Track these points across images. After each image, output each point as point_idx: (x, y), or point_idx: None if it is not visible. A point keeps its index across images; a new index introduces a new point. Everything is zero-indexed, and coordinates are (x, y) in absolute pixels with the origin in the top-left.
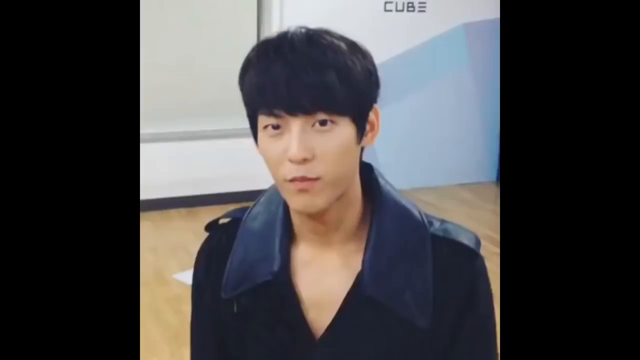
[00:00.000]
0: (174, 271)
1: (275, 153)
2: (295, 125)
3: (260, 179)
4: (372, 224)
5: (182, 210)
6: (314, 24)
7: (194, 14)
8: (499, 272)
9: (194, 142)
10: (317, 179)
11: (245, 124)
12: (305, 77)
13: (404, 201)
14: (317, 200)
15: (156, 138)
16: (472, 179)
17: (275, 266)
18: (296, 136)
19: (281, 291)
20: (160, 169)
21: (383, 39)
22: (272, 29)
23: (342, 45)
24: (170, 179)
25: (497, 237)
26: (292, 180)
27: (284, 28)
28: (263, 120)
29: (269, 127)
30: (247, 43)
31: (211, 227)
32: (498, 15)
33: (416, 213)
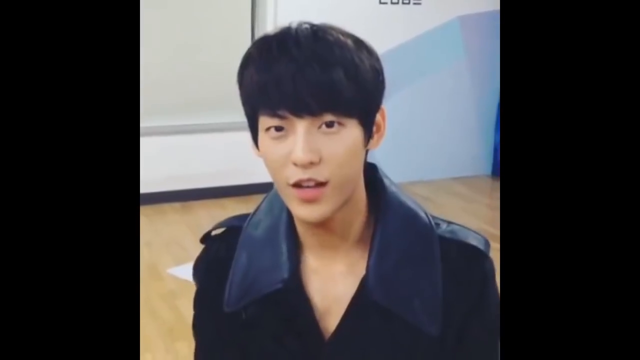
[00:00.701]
0: (168, 266)
1: (278, 156)
2: (301, 127)
3: (254, 174)
4: (377, 227)
5: (176, 205)
6: (308, 16)
7: (191, 9)
8: (498, 266)
9: (187, 136)
10: (324, 183)
11: (238, 117)
12: (312, 74)
13: (409, 202)
14: (323, 208)
15: (149, 132)
16: (467, 172)
17: (285, 273)
18: (302, 138)
19: (292, 299)
20: (154, 163)
21: (378, 32)
22: (267, 21)
23: (349, 41)
24: (163, 173)
25: (493, 230)
26: (296, 184)
27: (279, 20)
28: (265, 121)
29: (272, 129)
30: (242, 36)
31: (207, 238)
32: (494, 8)
33: (422, 215)
